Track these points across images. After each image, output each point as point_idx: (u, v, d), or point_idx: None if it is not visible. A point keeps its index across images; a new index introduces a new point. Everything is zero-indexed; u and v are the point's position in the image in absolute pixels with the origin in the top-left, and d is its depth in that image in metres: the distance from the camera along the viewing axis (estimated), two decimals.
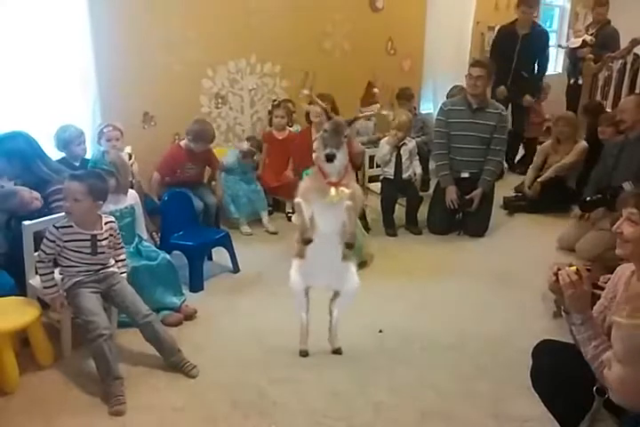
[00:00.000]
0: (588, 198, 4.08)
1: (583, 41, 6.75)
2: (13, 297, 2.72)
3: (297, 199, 2.56)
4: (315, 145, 2.65)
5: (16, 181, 3.05)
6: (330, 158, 2.44)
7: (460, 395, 2.54)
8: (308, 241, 2.55)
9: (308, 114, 4.43)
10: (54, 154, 3.55)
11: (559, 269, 1.84)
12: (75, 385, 2.58)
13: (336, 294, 2.80)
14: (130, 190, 3.26)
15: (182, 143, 4.17)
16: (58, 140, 3.60)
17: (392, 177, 4.61)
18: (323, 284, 2.78)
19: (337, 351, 2.86)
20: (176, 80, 4.46)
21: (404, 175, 4.60)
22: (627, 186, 3.75)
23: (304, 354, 2.83)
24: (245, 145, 4.59)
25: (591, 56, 6.65)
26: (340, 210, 2.51)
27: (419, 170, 4.69)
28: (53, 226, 2.58)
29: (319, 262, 2.66)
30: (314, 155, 2.68)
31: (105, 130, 3.80)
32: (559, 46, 8.27)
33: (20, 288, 2.83)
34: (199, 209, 4.07)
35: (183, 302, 3.22)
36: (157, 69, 4.34)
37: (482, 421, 2.38)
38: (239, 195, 4.57)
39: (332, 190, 2.48)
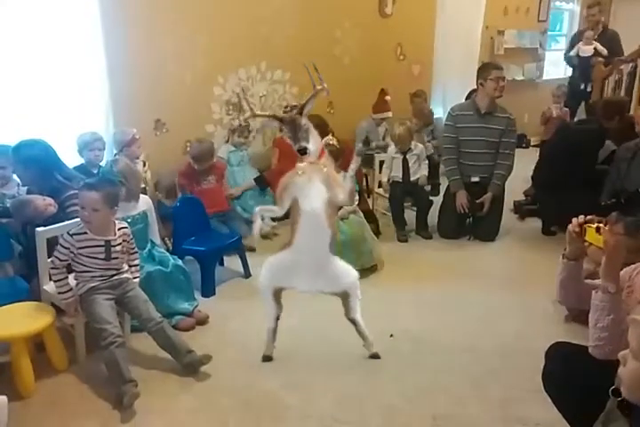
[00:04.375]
0: (603, 203, 4.06)
1: (594, 49, 6.71)
2: (28, 302, 2.75)
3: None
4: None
5: (30, 187, 3.10)
6: (303, 152, 2.59)
7: (472, 398, 2.55)
8: None
9: None
10: (75, 160, 3.65)
11: (585, 223, 1.87)
12: (89, 389, 2.61)
13: (344, 302, 2.75)
14: (143, 196, 3.29)
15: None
16: (76, 145, 3.69)
17: (400, 180, 4.66)
18: (307, 284, 2.66)
19: (375, 356, 2.84)
20: (187, 87, 4.51)
21: (412, 178, 4.65)
22: None
23: (267, 359, 2.83)
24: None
25: (601, 60, 6.64)
26: (319, 186, 2.58)
27: (425, 171, 4.72)
28: (67, 233, 2.61)
29: (306, 250, 2.59)
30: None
31: (137, 136, 3.87)
32: (568, 61, 7.82)
33: (35, 293, 2.86)
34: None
35: (195, 307, 3.25)
36: (169, 77, 4.39)
37: (493, 424, 2.38)
38: (250, 204, 4.58)
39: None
